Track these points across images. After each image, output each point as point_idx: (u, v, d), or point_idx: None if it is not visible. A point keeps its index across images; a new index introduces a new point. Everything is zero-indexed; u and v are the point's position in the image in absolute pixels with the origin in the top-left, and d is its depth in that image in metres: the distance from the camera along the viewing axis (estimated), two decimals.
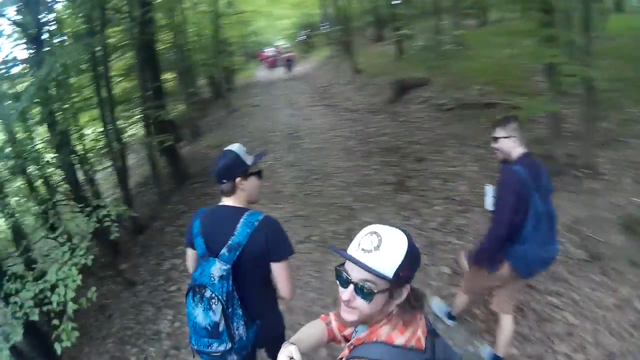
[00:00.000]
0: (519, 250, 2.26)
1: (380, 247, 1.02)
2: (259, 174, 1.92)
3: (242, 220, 1.73)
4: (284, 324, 2.10)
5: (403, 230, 1.09)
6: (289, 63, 22.22)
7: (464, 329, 3.32)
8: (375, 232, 1.06)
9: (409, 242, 1.05)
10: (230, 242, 1.71)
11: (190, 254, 1.97)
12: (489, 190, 2.43)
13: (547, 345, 3.09)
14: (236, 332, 1.74)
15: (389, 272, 1.01)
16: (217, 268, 1.70)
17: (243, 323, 1.76)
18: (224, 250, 1.72)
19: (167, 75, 15.98)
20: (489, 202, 2.42)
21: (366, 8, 24.49)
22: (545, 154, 4.50)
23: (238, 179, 1.81)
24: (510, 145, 2.28)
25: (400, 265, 1.02)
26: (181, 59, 14.26)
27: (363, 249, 1.04)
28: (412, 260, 1.05)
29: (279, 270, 1.80)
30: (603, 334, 3.09)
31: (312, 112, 11.73)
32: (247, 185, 1.85)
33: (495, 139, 2.35)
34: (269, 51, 31.74)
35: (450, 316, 3.32)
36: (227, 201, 1.84)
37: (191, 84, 17.27)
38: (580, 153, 4.54)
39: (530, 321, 3.29)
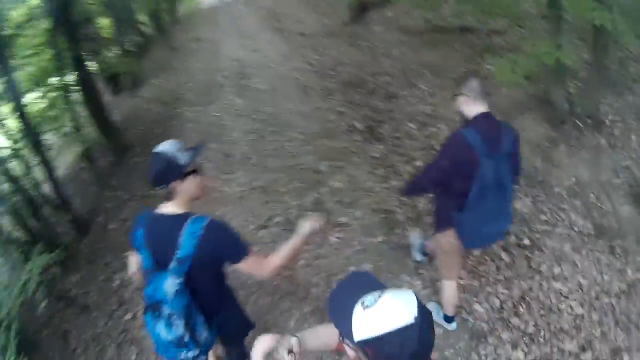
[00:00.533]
0: (461, 218, 2.13)
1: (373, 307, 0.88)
2: (195, 171, 1.72)
3: (185, 229, 1.60)
4: (243, 315, 2.08)
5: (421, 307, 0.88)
6: None
7: (466, 330, 2.86)
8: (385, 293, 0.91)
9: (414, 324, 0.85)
10: (177, 255, 1.61)
11: (135, 259, 1.92)
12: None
13: (554, 344, 2.70)
14: (201, 338, 1.73)
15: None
16: (170, 283, 1.61)
17: (206, 327, 1.74)
18: (173, 264, 1.62)
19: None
20: None
21: None
22: (542, 97, 3.80)
23: (173, 184, 1.65)
24: (466, 104, 2.11)
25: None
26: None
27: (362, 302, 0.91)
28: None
29: (244, 267, 1.73)
30: (609, 326, 2.73)
31: (261, 41, 10.19)
32: (186, 187, 1.68)
33: (454, 96, 2.23)
34: None
35: (447, 318, 2.82)
36: (168, 205, 1.70)
37: (129, 22, 14.92)
38: (581, 99, 3.84)
39: (535, 315, 2.86)
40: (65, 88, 6.55)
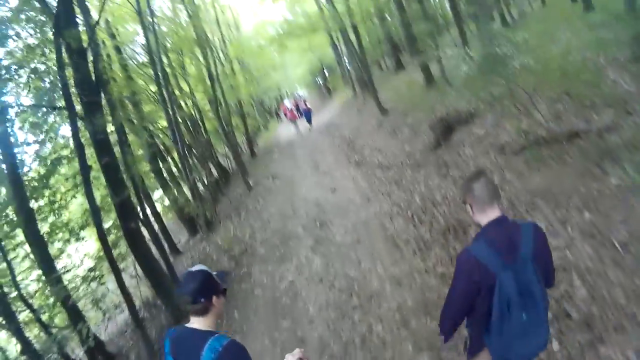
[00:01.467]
0: (490, 341, 1.91)
1: None
2: (225, 292, 1.89)
3: (207, 345, 1.66)
4: None
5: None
6: (307, 115, 20.39)
7: None
8: None
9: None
10: None
11: None
12: None
13: None
14: None
15: None
16: None
17: None
18: None
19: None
20: None
21: (379, 36, 22.75)
22: None
23: (214, 298, 1.80)
24: (475, 213, 1.91)
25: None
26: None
27: None
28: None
29: None
30: None
31: (340, 176, 9.51)
32: (218, 304, 1.82)
33: (462, 203, 2.11)
34: (288, 103, 30.95)
35: None
36: (196, 322, 1.78)
37: (209, 158, 15.89)
38: None
39: None
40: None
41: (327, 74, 31.14)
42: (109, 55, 11.00)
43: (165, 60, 14.33)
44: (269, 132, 26.06)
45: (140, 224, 6.79)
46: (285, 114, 25.24)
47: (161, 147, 14.33)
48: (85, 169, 5.65)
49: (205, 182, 14.46)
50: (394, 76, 18.56)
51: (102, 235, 5.63)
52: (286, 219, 8.31)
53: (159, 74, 9.50)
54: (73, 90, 5.89)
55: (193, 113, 14.99)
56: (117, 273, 5.87)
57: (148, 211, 10.57)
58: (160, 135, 14.46)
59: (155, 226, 11.97)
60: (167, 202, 12.47)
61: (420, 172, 7.32)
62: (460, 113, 7.72)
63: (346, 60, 20.91)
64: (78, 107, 6.14)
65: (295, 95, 37.91)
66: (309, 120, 20.10)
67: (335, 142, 13.71)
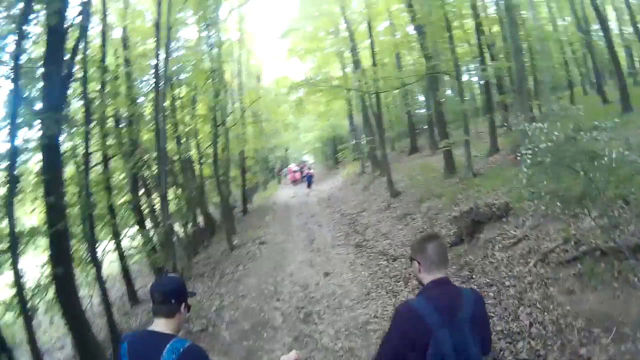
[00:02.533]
0: None
1: None
2: (189, 307, 1.91)
3: (168, 346, 1.67)
4: None
5: None
6: (309, 179, 21.25)
7: None
8: None
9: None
10: None
11: None
12: None
13: None
14: None
15: None
16: None
17: None
18: None
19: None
20: None
21: (398, 115, 22.58)
22: None
23: (182, 305, 1.83)
24: (421, 271, 1.93)
25: None
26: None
27: None
28: None
29: None
30: None
31: (336, 258, 8.16)
32: (183, 312, 1.84)
33: (409, 259, 2.23)
34: (294, 166, 30.96)
35: None
36: (159, 324, 1.78)
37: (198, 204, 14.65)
38: None
39: None
40: None
41: (336, 145, 30.85)
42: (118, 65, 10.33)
43: (176, 91, 13.72)
44: (268, 191, 24.99)
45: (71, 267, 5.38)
46: (289, 175, 26.31)
47: (148, 180, 13.20)
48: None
49: (188, 229, 13.09)
50: (408, 158, 17.90)
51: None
52: (264, 298, 6.84)
53: (159, 96, 8.65)
54: None
55: (193, 153, 14.00)
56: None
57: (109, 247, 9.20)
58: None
59: (117, 266, 10.46)
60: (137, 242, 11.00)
61: None
62: (491, 208, 6.58)
63: (361, 134, 20.46)
64: None
65: (301, 160, 38.68)
66: (310, 184, 20.73)
67: (336, 216, 12.53)
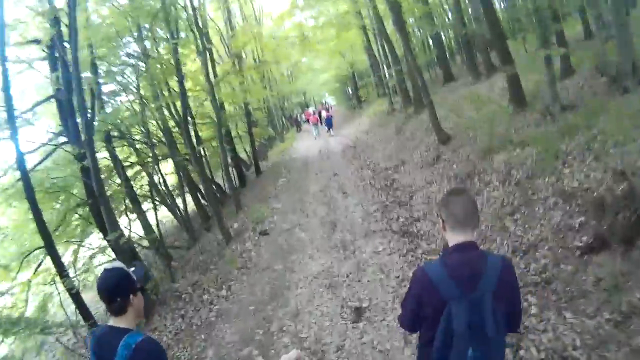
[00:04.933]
0: None
1: None
2: (142, 289, 1.77)
3: (121, 342, 1.57)
4: None
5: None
6: (328, 122, 20.70)
7: None
8: None
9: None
10: None
11: None
12: None
13: None
14: None
15: None
16: None
17: None
18: None
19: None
20: None
21: (424, 40, 18.82)
22: None
23: (131, 297, 1.67)
24: (446, 227, 1.65)
25: None
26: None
27: None
28: None
29: None
30: None
31: (373, 265, 5.30)
32: (136, 303, 1.70)
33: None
34: (310, 110, 29.10)
35: None
36: (114, 321, 1.67)
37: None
38: None
39: None
40: None
41: (357, 83, 27.17)
42: None
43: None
44: (284, 144, 22.26)
45: None
46: (308, 119, 25.70)
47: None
48: None
49: (181, 211, 10.76)
50: (444, 89, 14.45)
51: None
52: (267, 305, 4.31)
53: None
54: None
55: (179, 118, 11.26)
56: None
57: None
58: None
59: None
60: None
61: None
62: None
63: (383, 66, 16.95)
64: None
65: (323, 102, 38.57)
66: (330, 127, 20.38)
67: (365, 174, 9.73)
